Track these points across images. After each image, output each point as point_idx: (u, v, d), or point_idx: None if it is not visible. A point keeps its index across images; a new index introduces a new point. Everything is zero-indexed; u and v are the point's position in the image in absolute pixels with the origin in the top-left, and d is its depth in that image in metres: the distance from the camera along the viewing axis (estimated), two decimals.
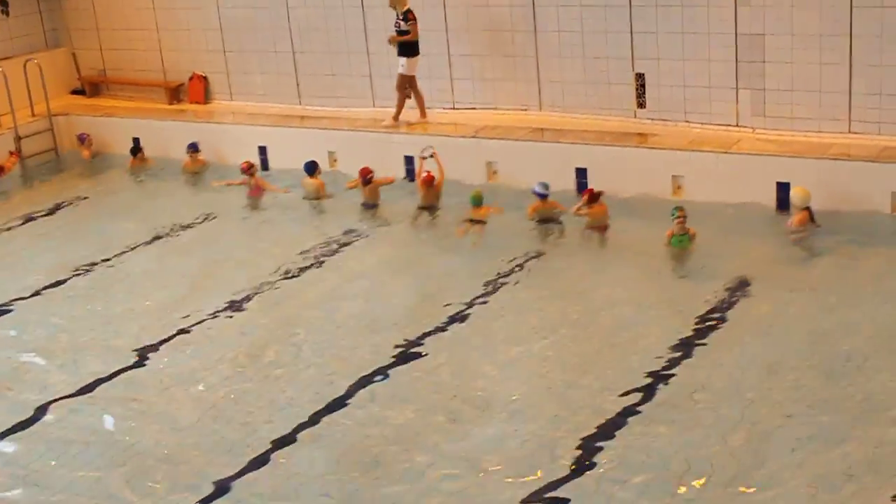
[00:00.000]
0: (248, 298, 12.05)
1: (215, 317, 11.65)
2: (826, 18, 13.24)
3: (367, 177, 14.56)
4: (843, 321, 10.36)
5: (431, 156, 14.36)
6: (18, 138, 17.52)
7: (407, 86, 15.50)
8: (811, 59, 13.45)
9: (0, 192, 16.56)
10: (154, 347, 11.03)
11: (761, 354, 9.84)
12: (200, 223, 14.67)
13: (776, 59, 13.66)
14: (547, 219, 13.40)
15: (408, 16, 15.20)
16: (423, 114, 15.65)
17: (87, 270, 13.21)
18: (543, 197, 13.37)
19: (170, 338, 11.22)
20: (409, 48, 15.27)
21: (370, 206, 14.60)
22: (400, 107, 15.58)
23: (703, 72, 14.15)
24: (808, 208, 12.39)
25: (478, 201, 13.71)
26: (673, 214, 12.31)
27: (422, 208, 14.24)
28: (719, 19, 13.86)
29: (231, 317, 11.65)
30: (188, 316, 11.69)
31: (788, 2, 13.39)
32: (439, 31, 15.81)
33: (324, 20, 16.27)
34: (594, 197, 13.16)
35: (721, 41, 13.93)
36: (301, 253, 13.23)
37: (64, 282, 12.92)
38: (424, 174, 14.24)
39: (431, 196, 14.25)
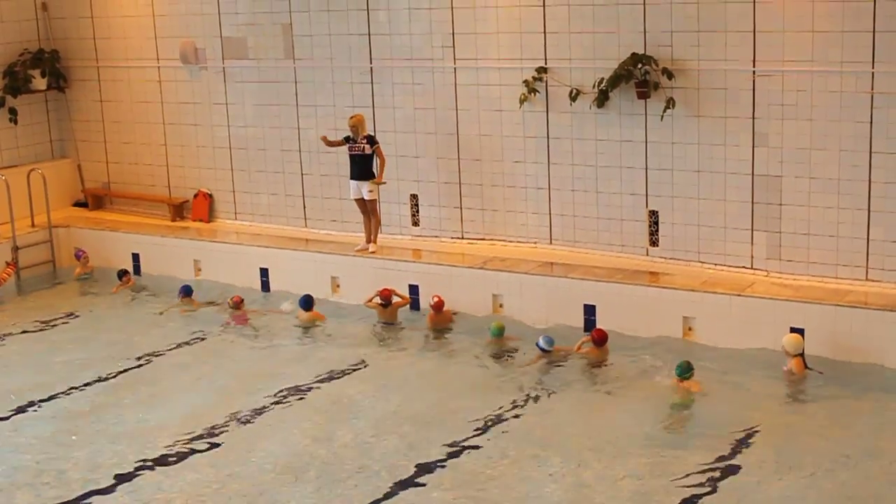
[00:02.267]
0: (229, 427, 11.73)
1: (193, 450, 11.22)
2: (845, 163, 13.07)
3: (387, 299, 14.52)
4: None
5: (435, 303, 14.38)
6: (16, 249, 17.25)
7: (372, 210, 15.46)
8: (829, 203, 13.25)
9: None
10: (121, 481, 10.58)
11: None
12: (190, 346, 14.33)
13: (793, 202, 13.45)
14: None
15: (373, 140, 15.18)
16: (375, 240, 15.54)
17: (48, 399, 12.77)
18: (547, 352, 13.15)
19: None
20: (371, 172, 15.21)
21: (389, 325, 14.57)
22: (376, 230, 15.57)
23: (718, 212, 13.94)
24: (800, 354, 12.16)
25: (499, 333, 13.69)
26: (683, 376, 11.92)
27: (436, 331, 14.29)
28: (736, 159, 13.70)
29: (214, 447, 11.27)
30: (170, 444, 11.31)
31: (807, 144, 13.24)
32: (452, 159, 15.67)
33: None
34: (602, 341, 13.02)
35: (737, 181, 13.74)
36: (295, 380, 12.95)
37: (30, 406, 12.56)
38: (434, 299, 14.21)
39: (440, 320, 14.24)
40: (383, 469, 10.52)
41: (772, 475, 10.16)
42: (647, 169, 14.33)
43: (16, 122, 18.59)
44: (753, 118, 13.52)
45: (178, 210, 18.21)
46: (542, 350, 13.12)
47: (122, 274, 16.75)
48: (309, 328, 14.69)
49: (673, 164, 14.13)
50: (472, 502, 9.91)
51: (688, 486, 9.97)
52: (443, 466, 10.59)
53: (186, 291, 15.88)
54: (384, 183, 15.30)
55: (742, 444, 10.81)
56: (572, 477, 10.30)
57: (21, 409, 12.36)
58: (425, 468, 10.54)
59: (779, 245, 13.63)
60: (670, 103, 13.75)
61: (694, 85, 13.80)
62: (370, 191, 15.26)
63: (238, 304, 15.21)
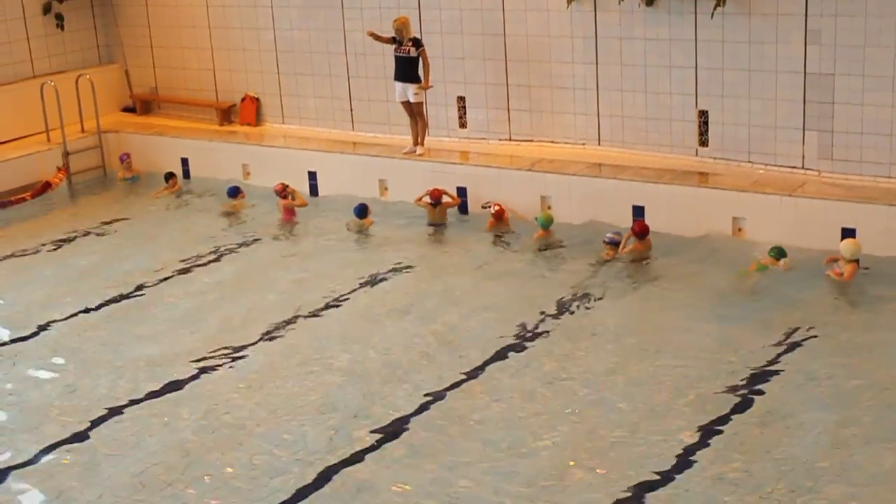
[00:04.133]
0: (290, 323, 11.94)
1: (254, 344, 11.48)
2: None
3: (437, 199, 14.57)
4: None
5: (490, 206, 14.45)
6: (67, 154, 17.40)
7: (419, 113, 15.44)
8: (882, 101, 13.04)
9: (46, 207, 16.48)
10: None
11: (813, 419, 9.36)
12: (243, 248, 14.47)
13: (846, 100, 13.25)
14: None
15: (419, 43, 15.09)
16: (422, 143, 15.53)
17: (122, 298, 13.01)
18: (616, 245, 13.16)
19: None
20: (416, 75, 15.15)
21: (438, 225, 14.63)
22: (423, 132, 15.55)
23: (768, 111, 13.77)
24: (857, 260, 12.05)
25: (547, 223, 13.84)
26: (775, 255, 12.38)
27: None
28: (788, 57, 13.49)
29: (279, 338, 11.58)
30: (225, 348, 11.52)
31: (860, 41, 13.00)
32: (499, 60, 15.56)
33: (380, 45, 15.98)
34: (643, 233, 13.06)
35: (789, 80, 13.55)
36: (354, 278, 13.14)
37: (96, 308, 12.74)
38: (496, 208, 14.28)
39: (501, 227, 14.38)
40: (441, 365, 10.73)
41: (826, 370, 10.18)
42: (696, 68, 14.15)
43: (63, 28, 18.64)
44: (806, 15, 13.27)
45: (226, 114, 18.24)
46: (612, 243, 13.13)
47: (169, 177, 16.84)
48: (361, 232, 14.72)
49: (723, 63, 13.93)
50: (531, 395, 10.08)
51: (742, 382, 10.04)
52: (505, 358, 10.81)
53: (233, 192, 15.91)
54: (430, 87, 15.23)
55: (795, 341, 10.82)
56: (627, 370, 10.44)
57: (73, 315, 12.57)
58: (488, 362, 10.77)
59: (830, 144, 13.46)
60: (721, 0, 13.52)
61: None
62: (415, 94, 15.21)
63: (282, 192, 15.26)
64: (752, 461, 8.75)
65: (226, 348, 11.35)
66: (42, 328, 12.19)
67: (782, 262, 12.35)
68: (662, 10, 14.14)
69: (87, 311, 12.58)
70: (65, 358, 11.42)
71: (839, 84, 13.25)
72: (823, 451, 8.84)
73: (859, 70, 13.08)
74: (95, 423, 9.95)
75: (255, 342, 11.49)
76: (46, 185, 16.70)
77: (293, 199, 15.31)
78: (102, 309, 12.64)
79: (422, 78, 15.15)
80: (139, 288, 13.17)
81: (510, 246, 13.93)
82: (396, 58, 15.22)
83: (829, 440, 9.00)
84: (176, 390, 10.50)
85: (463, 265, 13.46)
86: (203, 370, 10.91)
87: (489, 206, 14.41)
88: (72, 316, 12.48)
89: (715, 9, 13.58)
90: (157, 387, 10.57)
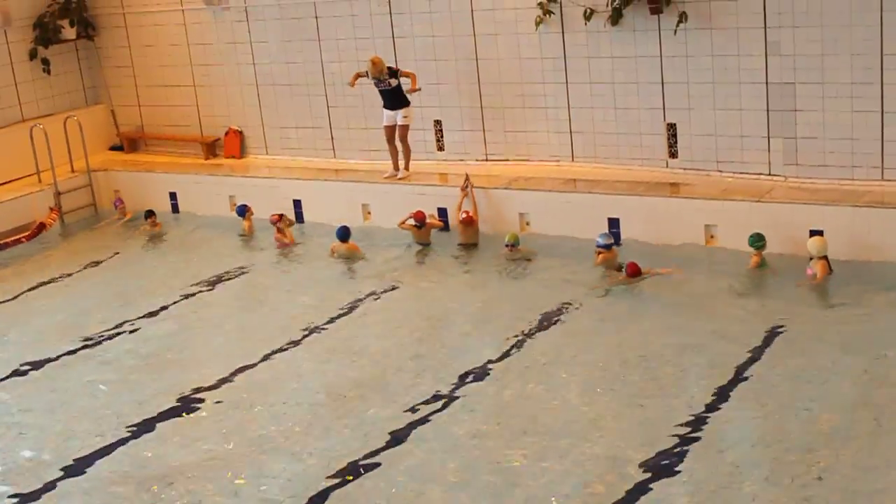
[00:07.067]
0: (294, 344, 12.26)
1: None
2: (857, 66, 13.25)
3: (421, 221, 14.92)
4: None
5: (468, 186, 14.87)
6: (58, 194, 17.78)
7: (403, 137, 15.80)
8: (842, 107, 13.45)
9: (41, 246, 16.81)
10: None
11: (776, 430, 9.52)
12: (238, 277, 14.83)
13: (807, 107, 13.67)
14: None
15: (394, 73, 15.53)
16: (407, 167, 15.94)
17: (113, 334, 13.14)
18: (607, 248, 13.45)
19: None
20: (405, 99, 15.57)
21: (424, 245, 15.00)
22: (407, 156, 15.95)
23: (734, 121, 14.19)
24: (825, 257, 12.40)
25: (514, 241, 14.11)
26: (758, 246, 12.82)
27: (462, 245, 14.74)
28: (750, 69, 13.91)
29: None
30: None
31: (819, 51, 13.42)
32: (472, 83, 15.99)
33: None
34: (636, 273, 13.04)
35: (752, 91, 13.96)
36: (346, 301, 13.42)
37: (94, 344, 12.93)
38: (464, 215, 14.65)
39: (470, 234, 14.72)
40: (433, 380, 10.96)
41: (792, 369, 10.46)
42: (663, 83, 14.57)
43: (49, 73, 19.01)
44: (765, 27, 13.68)
45: (211, 148, 18.64)
46: (601, 247, 13.43)
47: (149, 215, 17.08)
48: (346, 259, 14.93)
49: (688, 77, 14.35)
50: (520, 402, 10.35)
51: (713, 387, 10.29)
52: (488, 374, 11.05)
53: (241, 211, 16.38)
54: (419, 90, 15.58)
55: (766, 342, 11.11)
56: (606, 383, 10.65)
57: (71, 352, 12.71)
58: (476, 374, 11.03)
59: (795, 150, 13.86)
60: (683, 17, 13.94)
61: None
62: (405, 116, 15.62)
63: (277, 221, 15.61)
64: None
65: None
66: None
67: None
68: (627, 29, 14.54)
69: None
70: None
71: (800, 92, 13.66)
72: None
73: (819, 78, 13.50)
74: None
75: (238, 377, 11.78)
76: (41, 227, 17.01)
77: (286, 226, 15.66)
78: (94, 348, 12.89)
79: (409, 101, 15.57)
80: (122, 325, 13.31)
81: (490, 264, 14.15)
82: (381, 91, 15.65)
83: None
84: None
85: (448, 284, 13.75)
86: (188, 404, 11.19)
87: (466, 187, 14.85)
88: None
89: (677, 25, 13.99)
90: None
